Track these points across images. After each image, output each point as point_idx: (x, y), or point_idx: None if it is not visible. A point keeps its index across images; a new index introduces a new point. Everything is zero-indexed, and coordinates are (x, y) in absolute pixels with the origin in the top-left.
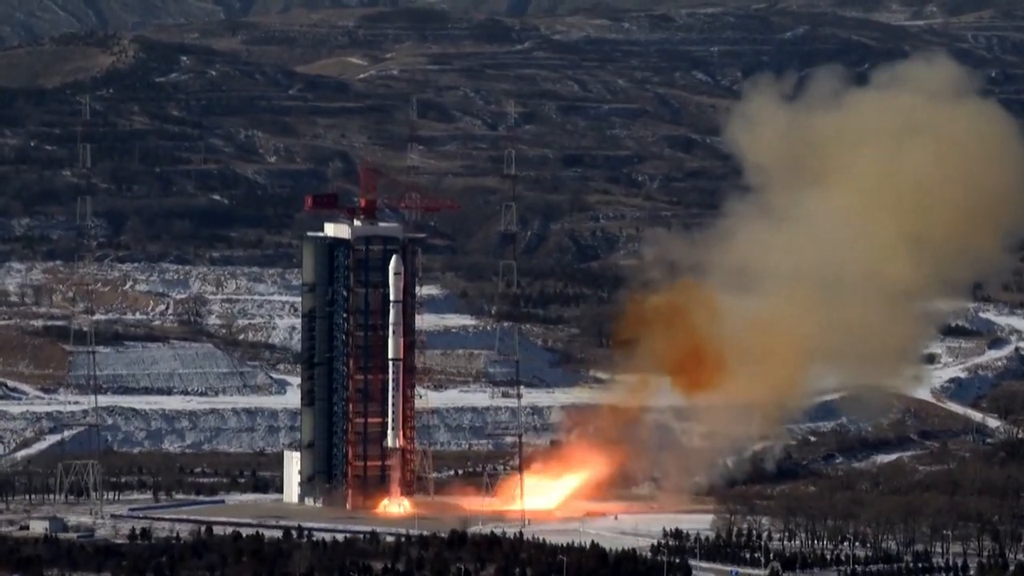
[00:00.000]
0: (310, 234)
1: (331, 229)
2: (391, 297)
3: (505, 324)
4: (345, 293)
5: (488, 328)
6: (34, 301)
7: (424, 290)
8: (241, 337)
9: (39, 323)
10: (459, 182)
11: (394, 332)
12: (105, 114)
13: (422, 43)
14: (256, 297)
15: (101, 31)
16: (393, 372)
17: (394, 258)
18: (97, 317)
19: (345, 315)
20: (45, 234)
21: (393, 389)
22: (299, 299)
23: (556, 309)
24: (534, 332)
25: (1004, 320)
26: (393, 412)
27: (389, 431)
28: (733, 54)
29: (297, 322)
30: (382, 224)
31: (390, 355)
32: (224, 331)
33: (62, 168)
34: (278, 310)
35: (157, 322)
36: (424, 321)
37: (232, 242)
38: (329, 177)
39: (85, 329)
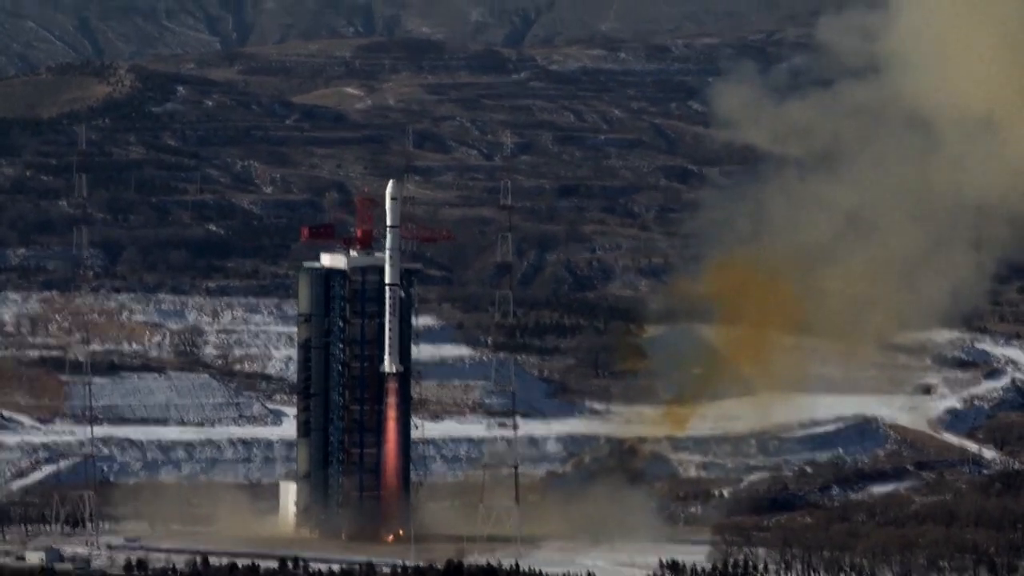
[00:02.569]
0: (306, 264)
1: (327, 259)
2: (388, 222)
3: (501, 355)
4: (341, 323)
5: (484, 359)
6: (30, 331)
7: (420, 320)
8: (237, 367)
9: (35, 353)
10: (455, 212)
11: (391, 258)
12: (101, 144)
13: (418, 73)
14: (252, 327)
15: (97, 61)
16: (391, 298)
17: (391, 183)
18: (93, 347)
19: (341, 345)
20: (41, 264)
21: (391, 315)
22: (295, 329)
23: (552, 339)
24: (530, 362)
25: (1000, 351)
26: (390, 341)
27: (386, 357)
28: (729, 83)
29: (293, 352)
30: (378, 254)
31: (387, 280)
32: (220, 361)
33: (58, 198)
34: (274, 340)
35: (153, 352)
36: (420, 352)
37: (228, 272)
38: (326, 207)
39: (81, 359)
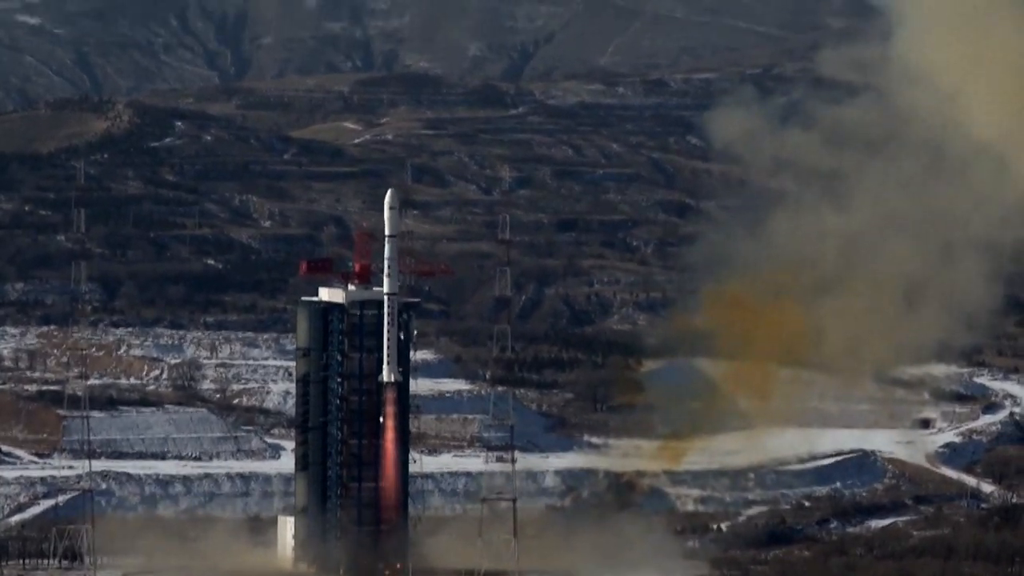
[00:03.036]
0: (304, 299)
1: (325, 294)
2: (386, 232)
3: (499, 389)
4: (339, 358)
5: (482, 393)
6: (28, 366)
7: (418, 355)
8: (235, 402)
9: (33, 388)
10: (453, 247)
11: (389, 267)
12: (100, 179)
13: (416, 108)
14: (250, 362)
15: (96, 96)
16: (389, 308)
17: (389, 192)
18: (91, 382)
19: (339, 380)
20: (39, 299)
21: (389, 324)
22: (293, 364)
23: (550, 374)
24: (528, 397)
25: (999, 385)
26: (388, 345)
27: (385, 366)
28: (728, 119)
29: (291, 387)
30: (376, 289)
31: (385, 289)
32: (218, 396)
33: (57, 233)
34: (272, 375)
35: (151, 387)
36: (418, 386)
37: (226, 307)
38: (324, 242)
39: (79, 394)
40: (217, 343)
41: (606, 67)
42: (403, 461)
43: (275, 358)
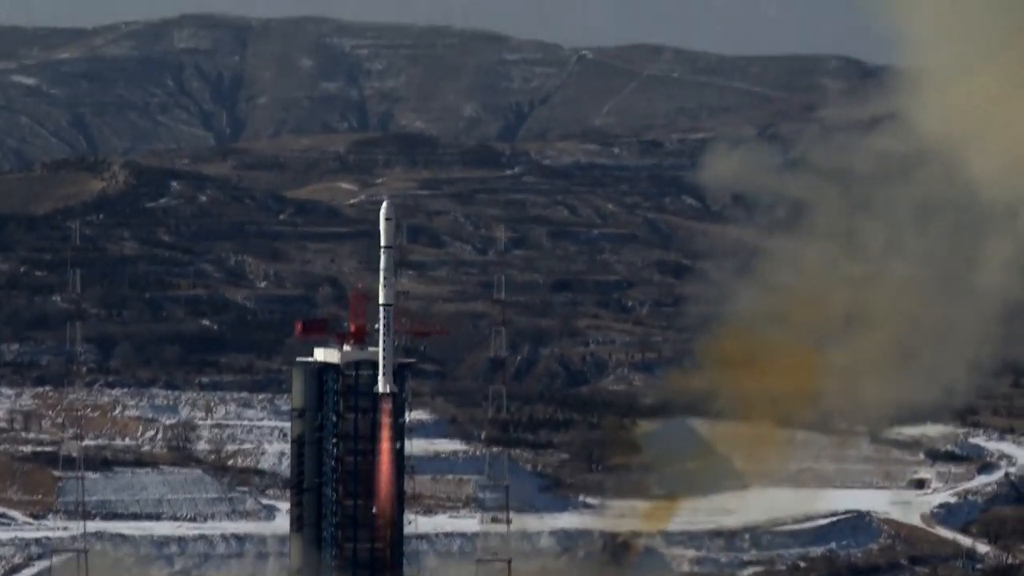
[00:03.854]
0: (300, 359)
1: (321, 354)
2: (383, 243)
3: (495, 449)
4: (334, 418)
5: (478, 453)
6: (23, 427)
7: (414, 415)
8: (230, 463)
9: (28, 449)
10: (449, 307)
11: (386, 279)
12: (95, 239)
13: (412, 168)
14: (245, 422)
15: (92, 156)
16: (384, 317)
17: (385, 203)
18: (86, 443)
19: (334, 440)
20: (35, 360)
21: (385, 336)
22: (288, 424)
23: (546, 434)
24: (524, 457)
25: (994, 445)
26: (384, 355)
27: (380, 376)
28: (722, 179)
29: (286, 447)
30: (371, 349)
31: (381, 300)
32: (213, 456)
33: (52, 293)
34: (267, 435)
35: (146, 448)
36: (414, 446)
37: (222, 367)
38: (319, 302)
39: (74, 455)
40: (212, 404)
41: (601, 127)
42: (399, 479)
43: (270, 419)
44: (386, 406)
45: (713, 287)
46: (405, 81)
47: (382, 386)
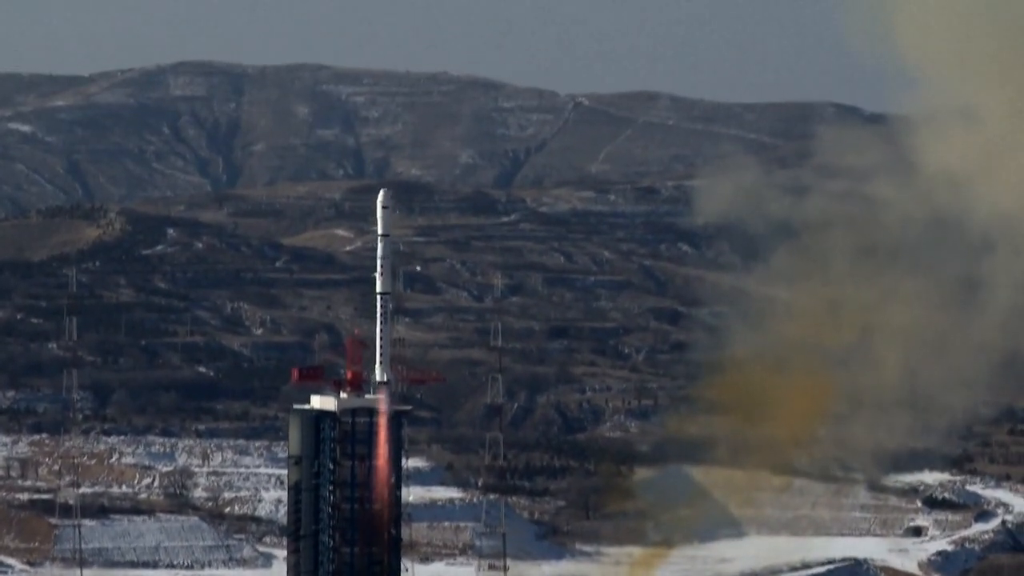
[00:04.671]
0: (296, 407)
1: (317, 401)
2: (379, 231)
3: (491, 497)
4: (331, 466)
5: (475, 501)
6: (20, 474)
7: (410, 462)
8: (227, 510)
9: (25, 496)
10: (445, 354)
11: (382, 268)
12: (91, 287)
13: (408, 215)
14: (242, 470)
15: (88, 204)
16: (382, 305)
17: (382, 192)
18: (83, 490)
19: (331, 487)
20: (31, 407)
21: (382, 324)
22: (285, 472)
23: (542, 481)
24: (520, 504)
25: (991, 493)
26: (381, 345)
27: (377, 366)
28: (719, 226)
29: (283, 495)
30: (368, 396)
31: (378, 289)
32: (210, 504)
33: (48, 341)
34: (264, 483)
35: (143, 495)
36: (411, 494)
37: (218, 415)
38: (315, 349)
39: (71, 502)
40: (209, 451)
41: (597, 174)
42: (396, 478)
43: (267, 466)
44: (383, 394)
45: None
46: (401, 128)
47: (379, 374)
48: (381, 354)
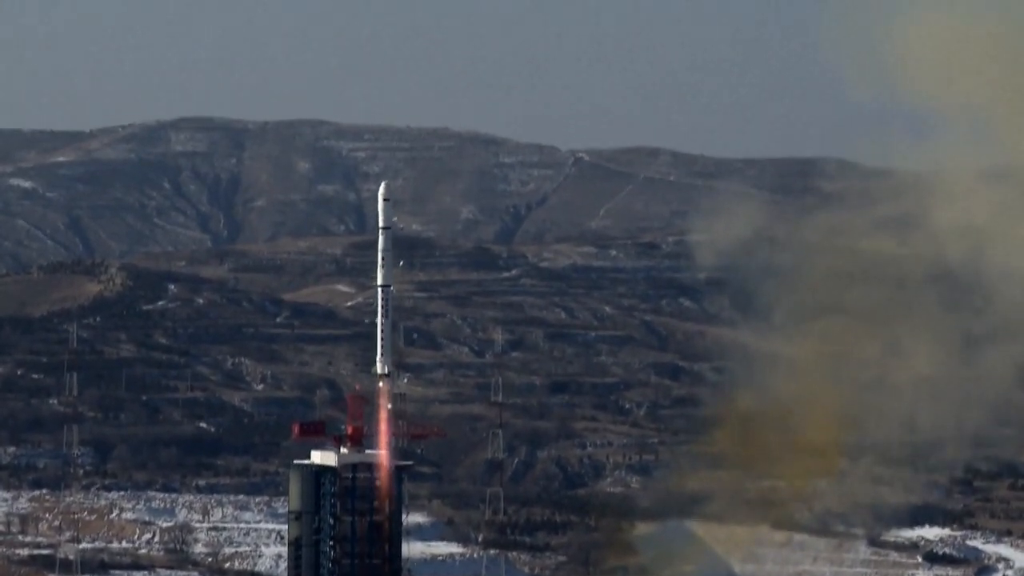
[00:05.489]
0: (296, 462)
1: (318, 457)
2: (380, 224)
3: (492, 552)
4: (332, 521)
5: (475, 556)
6: (20, 530)
7: (411, 518)
8: (227, 565)
9: (25, 552)
10: (446, 409)
11: (383, 260)
12: (92, 342)
13: (409, 270)
14: (242, 525)
15: (88, 259)
16: (383, 299)
17: (383, 185)
18: (83, 546)
19: (332, 543)
20: (31, 463)
21: (383, 319)
22: (285, 527)
23: (543, 536)
24: (521, 560)
25: (992, 548)
26: (382, 336)
27: (378, 359)
28: (720, 281)
29: (284, 550)
30: (369, 452)
31: (380, 281)
32: (210, 560)
33: (49, 396)
34: (264, 538)
35: (143, 550)
36: (411, 549)
37: (219, 470)
38: (316, 405)
39: (71, 558)
40: (209, 506)
41: (598, 230)
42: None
43: (267, 521)
44: (384, 387)
45: (710, 388)
46: (402, 184)
47: (380, 367)
48: (382, 348)
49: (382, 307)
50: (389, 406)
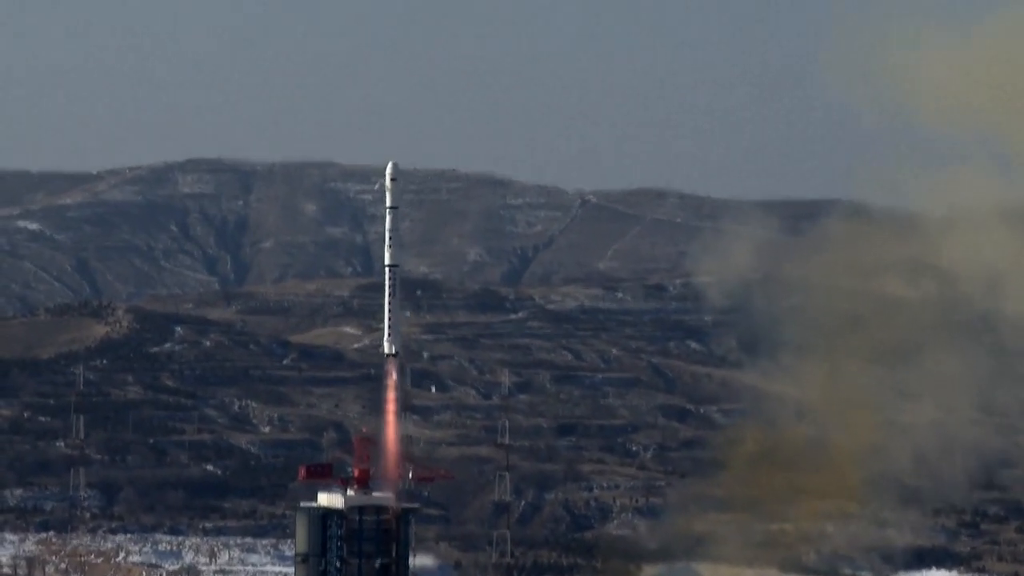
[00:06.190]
0: (303, 504)
1: (324, 499)
2: (387, 204)
3: None
4: (338, 563)
5: None
6: (27, 573)
7: (418, 560)
8: None
9: None
10: (453, 451)
11: (391, 241)
12: (99, 384)
13: (416, 312)
14: (249, 567)
15: (96, 301)
16: (390, 278)
17: (390, 165)
18: None
19: None
20: (39, 505)
21: (391, 298)
22: (292, 570)
23: None
24: None
25: None
26: (390, 316)
27: (386, 340)
28: (728, 323)
29: None
30: (376, 494)
31: (386, 261)
32: None
33: (56, 439)
34: None
35: None
36: None
37: (225, 512)
38: (323, 447)
39: None
40: (216, 549)
41: (605, 271)
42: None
43: (274, 564)
44: (391, 367)
45: (717, 431)
46: (409, 226)
47: (387, 347)
48: (390, 328)
49: (389, 287)
50: (395, 392)
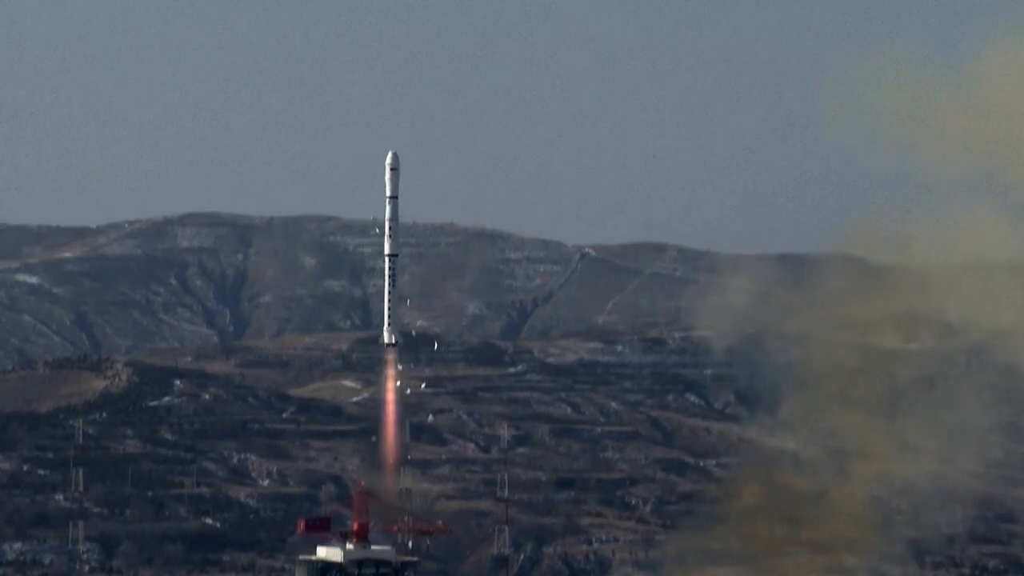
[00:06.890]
0: (302, 558)
1: (323, 552)
2: (388, 194)
3: None
4: None
5: None
6: None
7: None
8: None
9: None
10: (452, 505)
11: (390, 231)
12: (98, 438)
13: (415, 366)
14: None
15: (95, 355)
16: (390, 267)
17: (390, 155)
18: None
19: None
20: (37, 559)
21: (390, 287)
22: None
23: None
24: None
25: None
26: (389, 305)
27: (385, 329)
28: (726, 377)
29: None
30: (375, 547)
31: (386, 251)
32: None
33: (55, 492)
34: None
35: None
36: None
37: (224, 566)
38: (322, 500)
39: None
40: None
41: (604, 325)
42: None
43: None
44: (391, 357)
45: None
46: (408, 279)
47: (387, 336)
48: (389, 315)
49: (389, 275)
50: (397, 382)
